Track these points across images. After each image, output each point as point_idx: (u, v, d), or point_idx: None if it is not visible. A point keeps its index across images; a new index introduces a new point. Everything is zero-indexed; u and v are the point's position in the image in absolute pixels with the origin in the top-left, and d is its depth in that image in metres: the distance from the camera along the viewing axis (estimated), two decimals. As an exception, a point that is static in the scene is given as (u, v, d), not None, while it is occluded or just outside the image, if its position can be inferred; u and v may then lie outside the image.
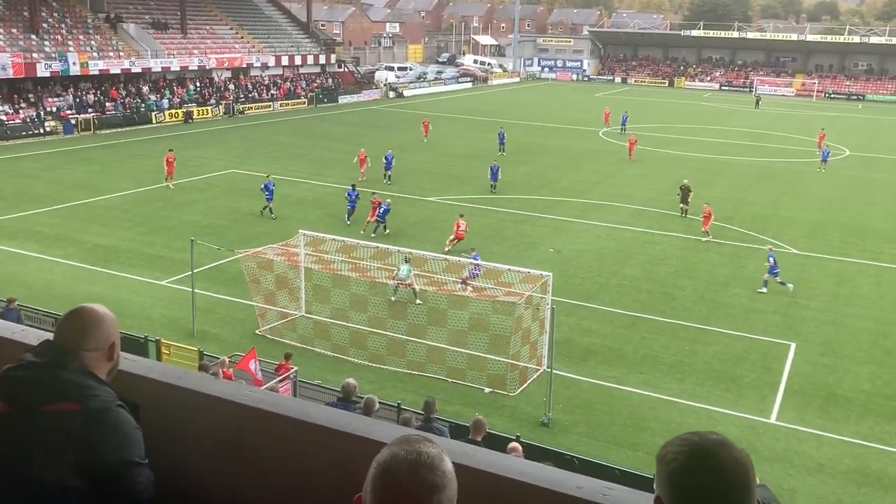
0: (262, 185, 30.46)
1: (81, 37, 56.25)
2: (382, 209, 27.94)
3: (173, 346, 16.41)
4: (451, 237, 26.12)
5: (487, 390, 16.74)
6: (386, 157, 36.82)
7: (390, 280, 20.53)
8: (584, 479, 2.03)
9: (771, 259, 23.58)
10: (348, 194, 29.83)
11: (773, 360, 18.96)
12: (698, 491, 1.76)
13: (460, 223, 26.28)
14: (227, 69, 64.96)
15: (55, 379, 2.20)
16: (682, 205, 31.87)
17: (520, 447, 10.81)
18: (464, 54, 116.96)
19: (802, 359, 19.12)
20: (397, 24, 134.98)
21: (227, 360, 13.91)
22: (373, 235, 26.91)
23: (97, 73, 53.99)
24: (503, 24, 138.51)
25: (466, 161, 42.55)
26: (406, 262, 20.47)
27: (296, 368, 14.35)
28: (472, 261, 21.09)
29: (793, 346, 19.86)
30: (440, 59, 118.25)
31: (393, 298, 20.75)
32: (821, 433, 15.39)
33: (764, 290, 23.50)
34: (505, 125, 52.45)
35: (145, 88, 57.23)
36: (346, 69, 79.71)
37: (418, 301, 20.44)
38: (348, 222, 29.03)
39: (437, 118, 59.01)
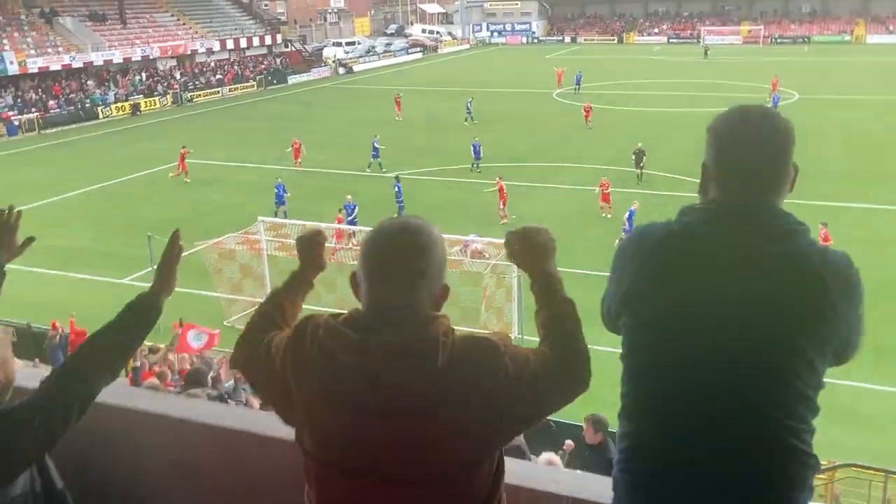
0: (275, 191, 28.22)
1: (17, 34, 54.54)
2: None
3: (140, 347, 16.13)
4: None
5: None
6: (373, 145, 35.11)
7: None
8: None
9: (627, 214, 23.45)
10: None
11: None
12: (739, 152, 1.95)
13: None
14: (172, 57, 63.57)
15: None
16: (636, 169, 31.38)
17: (557, 459, 10.36)
18: (412, 24, 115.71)
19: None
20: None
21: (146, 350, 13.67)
22: None
23: (36, 70, 52.47)
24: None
25: (425, 133, 42.27)
26: None
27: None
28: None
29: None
30: (388, 31, 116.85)
31: None
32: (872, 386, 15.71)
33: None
34: (459, 94, 52.09)
35: (90, 83, 55.78)
36: (293, 48, 78.45)
37: None
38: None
39: (390, 91, 58.49)
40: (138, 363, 12.65)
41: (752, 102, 2.20)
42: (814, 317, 1.95)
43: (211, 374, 10.92)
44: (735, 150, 1.99)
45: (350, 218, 23.99)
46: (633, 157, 31.51)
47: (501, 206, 26.51)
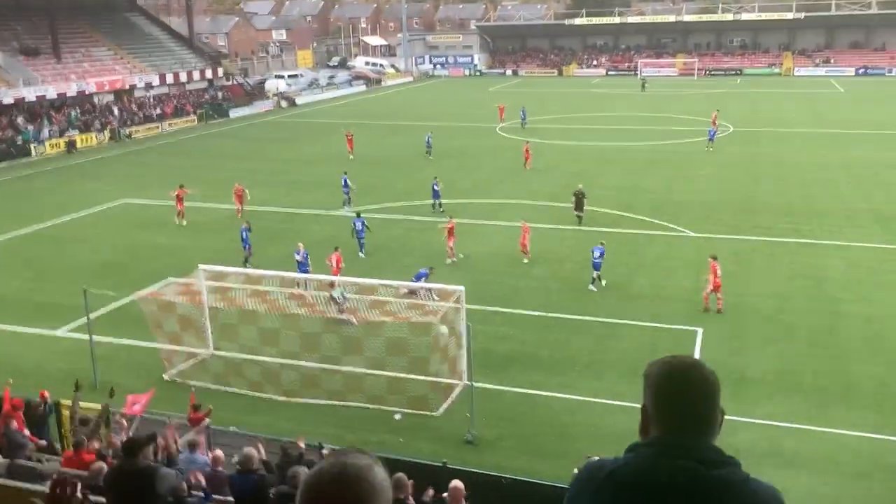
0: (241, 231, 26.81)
1: (-56, 70, 52.75)
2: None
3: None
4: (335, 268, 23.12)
5: (398, 416, 16.47)
6: (343, 180, 34.51)
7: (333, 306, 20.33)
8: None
9: (596, 252, 23.67)
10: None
11: (683, 349, 19.42)
12: (673, 398, 2.28)
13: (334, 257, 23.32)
14: (109, 92, 62.24)
15: None
16: (576, 212, 30.37)
17: (461, 486, 10.55)
18: (355, 57, 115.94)
19: (710, 344, 19.74)
20: (284, 31, 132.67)
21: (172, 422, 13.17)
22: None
23: (-35, 107, 50.79)
24: (391, 24, 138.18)
25: (370, 168, 42.03)
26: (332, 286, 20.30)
27: (208, 421, 13.73)
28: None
29: (700, 331, 20.49)
30: (331, 64, 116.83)
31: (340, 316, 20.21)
32: (735, 418, 15.82)
33: (599, 283, 23.67)
34: (407, 128, 52.14)
35: (20, 119, 54.15)
36: (234, 82, 77.71)
37: (343, 317, 19.98)
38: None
39: (334, 125, 58.30)
40: (80, 438, 12.07)
41: (682, 354, 2.48)
42: None
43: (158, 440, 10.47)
44: (672, 398, 2.29)
45: (300, 260, 23.23)
46: (574, 198, 30.74)
47: (450, 246, 26.44)
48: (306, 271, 22.69)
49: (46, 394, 14.75)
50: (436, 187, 33.13)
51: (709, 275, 21.75)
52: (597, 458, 2.55)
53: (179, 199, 32.24)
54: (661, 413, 2.31)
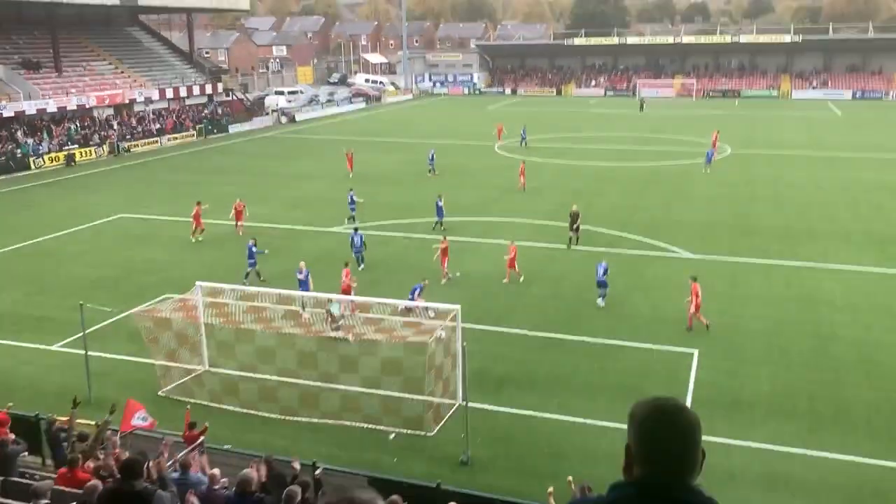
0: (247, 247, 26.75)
1: (-55, 82, 52.96)
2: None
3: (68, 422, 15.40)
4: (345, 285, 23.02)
5: (392, 436, 16.47)
6: (350, 196, 34.48)
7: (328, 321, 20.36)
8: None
9: (600, 269, 24.03)
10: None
11: (679, 370, 19.53)
12: (658, 440, 2.38)
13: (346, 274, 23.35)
14: (109, 106, 62.49)
15: None
16: (571, 233, 30.43)
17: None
18: (355, 74, 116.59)
19: (706, 365, 19.77)
20: (284, 48, 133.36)
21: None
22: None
23: (-35, 120, 50.98)
24: (392, 42, 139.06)
25: (368, 185, 42.14)
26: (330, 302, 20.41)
27: (202, 439, 13.72)
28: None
29: (696, 353, 20.52)
30: (331, 80, 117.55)
31: (334, 334, 20.25)
32: (729, 441, 15.88)
33: (602, 302, 24.00)
34: (407, 146, 52.22)
35: (19, 133, 54.30)
36: (234, 97, 78.06)
37: (337, 334, 20.00)
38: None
39: (334, 142, 58.55)
40: (76, 454, 12.05)
41: (667, 396, 2.56)
42: None
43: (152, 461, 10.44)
44: (656, 441, 2.40)
45: (301, 279, 23.10)
46: (569, 218, 30.77)
47: (443, 266, 26.47)
48: (307, 290, 22.71)
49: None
50: (440, 204, 33.18)
51: (690, 296, 21.90)
52: (583, 492, 2.62)
53: (197, 216, 31.98)
54: (644, 454, 2.41)
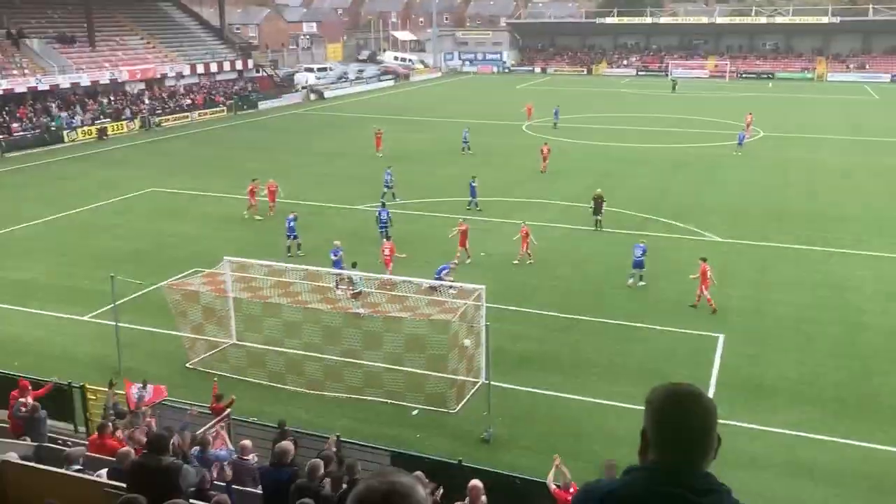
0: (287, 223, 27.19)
1: (-19, 55, 53.76)
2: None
3: (100, 392, 15.78)
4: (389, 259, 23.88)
5: (415, 412, 16.62)
6: (386, 175, 34.79)
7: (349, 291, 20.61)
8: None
9: (638, 250, 24.03)
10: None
11: (703, 354, 19.44)
12: (673, 426, 2.42)
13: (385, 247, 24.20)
14: (141, 81, 63.05)
15: None
16: (595, 216, 30.14)
17: (480, 485, 10.68)
18: (384, 51, 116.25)
19: (730, 350, 19.65)
20: (314, 24, 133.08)
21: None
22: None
23: (1, 92, 51.71)
24: (421, 19, 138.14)
25: (395, 163, 42.03)
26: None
27: (228, 411, 13.96)
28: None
29: (721, 337, 20.40)
30: (360, 58, 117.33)
31: (358, 311, 20.42)
32: (752, 426, 15.83)
33: (637, 282, 24.06)
34: (434, 124, 51.95)
35: (54, 106, 55.02)
36: (264, 73, 78.30)
37: (359, 310, 20.11)
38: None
39: (363, 119, 58.59)
40: (104, 422, 12.36)
41: (683, 380, 2.60)
42: None
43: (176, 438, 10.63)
44: (671, 427, 2.44)
45: (335, 259, 23.26)
46: (593, 202, 30.48)
47: (460, 248, 26.34)
48: (339, 265, 22.96)
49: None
50: (473, 185, 32.99)
51: (697, 274, 21.93)
52: (608, 470, 2.65)
53: (252, 192, 31.95)
54: (660, 439, 2.45)
